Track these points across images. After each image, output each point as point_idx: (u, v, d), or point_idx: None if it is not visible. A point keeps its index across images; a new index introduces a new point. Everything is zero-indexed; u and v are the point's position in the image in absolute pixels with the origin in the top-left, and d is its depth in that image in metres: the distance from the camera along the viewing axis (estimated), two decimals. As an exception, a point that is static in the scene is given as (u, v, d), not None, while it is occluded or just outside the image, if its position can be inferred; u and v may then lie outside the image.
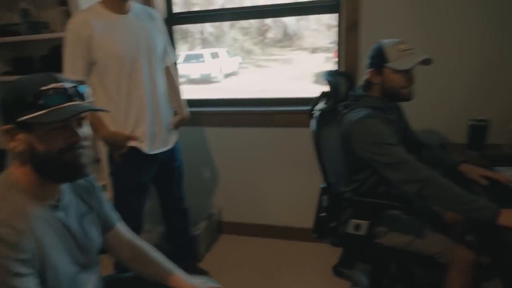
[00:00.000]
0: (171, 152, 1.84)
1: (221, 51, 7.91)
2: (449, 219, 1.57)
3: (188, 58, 7.38)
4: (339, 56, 2.13)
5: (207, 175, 2.47)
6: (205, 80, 7.67)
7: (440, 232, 1.41)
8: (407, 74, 1.39)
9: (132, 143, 1.66)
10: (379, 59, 1.41)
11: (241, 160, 2.37)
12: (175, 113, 1.91)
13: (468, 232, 1.61)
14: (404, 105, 1.59)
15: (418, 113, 1.77)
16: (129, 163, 1.68)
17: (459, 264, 1.35)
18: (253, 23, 6.82)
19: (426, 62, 1.39)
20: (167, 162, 1.84)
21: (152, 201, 2.00)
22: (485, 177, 1.45)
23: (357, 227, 1.44)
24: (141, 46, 1.62)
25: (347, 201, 1.53)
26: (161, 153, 1.76)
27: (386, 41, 1.43)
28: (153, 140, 1.72)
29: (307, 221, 2.25)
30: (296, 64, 8.20)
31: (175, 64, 1.91)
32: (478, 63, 1.87)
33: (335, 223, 1.55)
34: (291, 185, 2.33)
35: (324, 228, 1.60)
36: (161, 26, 1.77)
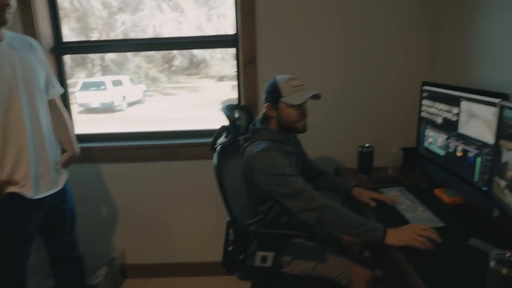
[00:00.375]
0: (61, 193, 1.65)
1: (124, 79, 7.56)
2: (346, 242, 1.68)
3: (86, 86, 6.88)
4: (239, 89, 2.19)
5: (105, 215, 2.27)
6: (107, 109, 7.21)
7: (339, 255, 1.50)
8: (300, 108, 1.49)
9: (11, 189, 1.44)
10: (274, 94, 1.48)
11: (144, 196, 2.24)
12: (64, 150, 1.73)
13: (363, 250, 1.75)
14: (300, 136, 1.68)
15: (313, 143, 1.89)
16: (8, 212, 1.45)
17: (357, 282, 1.44)
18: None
19: (315, 97, 1.50)
20: (56, 205, 1.63)
21: (38, 252, 1.75)
22: (374, 199, 1.60)
23: (264, 258, 1.45)
24: (19, 78, 1.44)
25: (252, 233, 1.53)
26: (48, 196, 1.56)
27: (280, 77, 1.51)
28: (38, 182, 1.51)
29: (218, 255, 2.22)
30: (203, 92, 8.25)
31: (60, 96, 1.74)
32: (362, 96, 2.10)
33: (243, 256, 1.53)
34: (199, 219, 2.27)
35: (233, 262, 1.57)
36: (42, 56, 1.61)
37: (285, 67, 1.71)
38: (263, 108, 1.55)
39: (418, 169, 1.97)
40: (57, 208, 1.65)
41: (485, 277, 1.04)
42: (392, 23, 2.00)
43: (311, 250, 1.51)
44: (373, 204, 1.58)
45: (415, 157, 1.93)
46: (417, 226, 1.29)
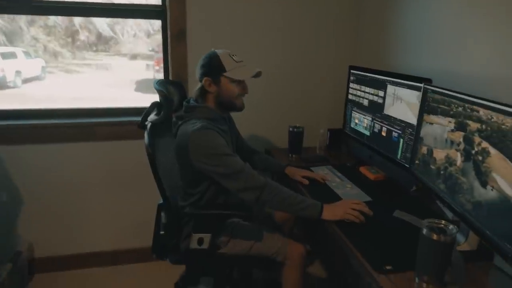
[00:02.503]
0: None
1: (17, 51, 6.57)
2: (279, 219, 1.70)
3: (-34, 57, 5.81)
4: (166, 65, 2.04)
5: (8, 205, 1.95)
6: (-3, 85, 6.21)
7: (274, 233, 1.51)
8: (242, 84, 1.44)
9: None
10: (215, 68, 1.41)
11: (54, 183, 1.98)
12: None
13: (295, 226, 1.80)
14: (233, 115, 1.63)
15: (245, 123, 1.86)
16: None
17: (292, 258, 1.47)
18: (59, 22, 5.94)
19: (257, 74, 1.46)
20: None
21: None
22: (306, 177, 1.64)
23: (200, 241, 1.39)
24: None
25: (187, 216, 1.46)
26: None
27: (220, 51, 1.43)
28: None
29: (141, 241, 2.09)
30: (114, 71, 7.63)
31: None
32: (293, 78, 2.14)
33: (176, 240, 1.45)
34: (119, 205, 2.09)
35: (164, 247, 1.48)
36: None
37: (218, 43, 1.63)
38: (198, 83, 1.46)
39: (343, 148, 2.09)
40: None
41: (410, 242, 1.13)
42: (321, 8, 2.06)
43: (248, 229, 1.50)
44: (306, 182, 1.63)
45: (341, 137, 2.04)
46: (349, 201, 1.36)
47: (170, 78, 2.02)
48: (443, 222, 0.97)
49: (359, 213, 1.29)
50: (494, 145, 0.95)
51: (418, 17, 1.66)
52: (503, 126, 0.92)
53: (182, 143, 1.37)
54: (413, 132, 1.41)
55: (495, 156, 0.95)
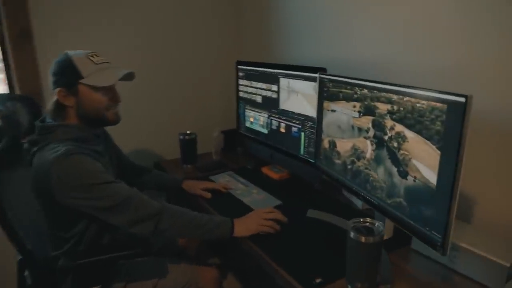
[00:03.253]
0: None
1: None
2: (182, 244, 1.47)
3: None
4: (8, 74, 1.59)
5: None
6: None
7: (180, 262, 1.28)
8: (110, 91, 1.15)
9: None
10: (69, 74, 1.08)
11: None
12: None
13: (200, 244, 1.59)
14: (109, 129, 1.32)
15: (125, 136, 1.54)
16: None
17: (207, 285, 1.27)
18: None
19: (128, 77, 1.19)
20: None
21: None
22: (207, 190, 1.44)
23: (85, 297, 1.07)
24: None
25: (63, 269, 1.11)
26: None
27: (76, 52, 1.11)
28: None
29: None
30: None
31: None
32: (179, 82, 1.91)
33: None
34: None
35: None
36: None
37: (80, 44, 1.29)
38: (52, 95, 1.12)
39: (240, 150, 1.95)
40: None
41: (333, 245, 1.07)
42: (198, 3, 1.87)
43: (147, 266, 1.23)
44: (208, 195, 1.42)
45: (236, 138, 1.89)
46: (261, 211, 1.21)
47: (18, 91, 1.57)
48: (368, 220, 0.89)
49: (273, 222, 1.16)
50: (410, 127, 0.88)
51: (303, 8, 1.60)
52: (418, 105, 0.85)
53: (40, 177, 1.02)
54: (314, 125, 1.33)
55: (413, 140, 0.88)
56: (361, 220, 0.90)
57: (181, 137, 1.71)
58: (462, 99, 0.72)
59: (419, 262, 1.01)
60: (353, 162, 1.12)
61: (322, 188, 1.48)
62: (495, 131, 1.00)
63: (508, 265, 0.85)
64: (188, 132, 1.73)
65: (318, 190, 1.48)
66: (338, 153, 1.20)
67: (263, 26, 1.85)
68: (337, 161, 1.20)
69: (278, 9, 1.72)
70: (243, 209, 1.29)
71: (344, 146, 1.16)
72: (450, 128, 0.75)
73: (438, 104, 0.78)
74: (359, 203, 1.32)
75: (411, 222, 0.90)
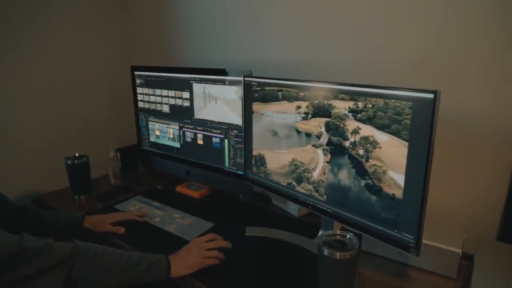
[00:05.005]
0: None
1: None
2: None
3: None
4: None
5: None
6: None
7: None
8: None
9: None
10: None
11: None
12: None
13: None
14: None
15: None
16: None
17: None
18: None
19: None
20: None
21: None
22: (117, 224, 1.17)
23: None
24: None
25: None
26: None
27: None
28: None
29: None
30: None
31: None
32: (63, 96, 1.53)
33: None
34: None
35: None
36: None
37: None
38: None
39: (141, 169, 1.68)
40: None
41: (284, 260, 0.99)
42: (81, 8, 1.53)
43: None
44: (121, 230, 1.15)
45: (138, 156, 1.62)
46: (201, 240, 1.02)
47: None
48: (337, 232, 0.82)
49: (217, 251, 0.99)
50: (382, 128, 0.79)
51: (212, 8, 1.45)
52: (393, 101, 0.75)
53: None
54: (240, 134, 1.21)
55: (386, 144, 0.78)
56: (331, 233, 0.82)
57: (69, 162, 1.36)
58: (431, 95, 0.70)
59: (373, 263, 0.99)
60: (300, 176, 1.02)
61: (249, 200, 1.37)
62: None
63: (459, 251, 0.89)
64: (77, 154, 1.39)
65: (246, 202, 1.36)
66: (275, 166, 1.09)
67: (158, 26, 1.63)
68: (273, 177, 1.10)
69: (179, 6, 1.54)
70: (172, 241, 1.09)
71: (284, 158, 1.06)
72: (419, 125, 0.73)
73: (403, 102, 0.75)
74: (294, 211, 1.26)
75: (377, 226, 0.86)
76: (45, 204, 1.37)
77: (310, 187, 0.99)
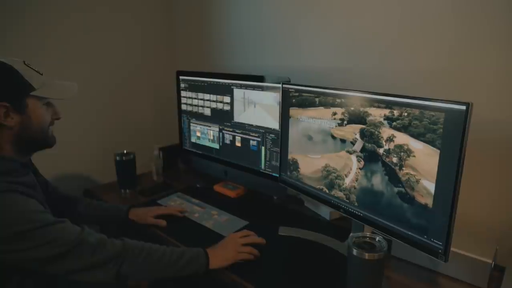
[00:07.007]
0: None
1: None
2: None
3: None
4: None
5: None
6: None
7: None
8: (51, 107, 0.97)
9: None
10: (16, 86, 0.85)
11: None
12: None
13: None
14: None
15: (48, 160, 1.25)
16: None
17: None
18: None
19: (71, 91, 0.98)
20: None
21: None
22: (159, 217, 1.26)
23: None
24: None
25: None
26: None
27: (7, 60, 0.87)
28: None
29: None
30: None
31: None
32: (113, 97, 1.68)
33: None
34: None
35: None
36: None
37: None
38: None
39: (182, 168, 1.78)
40: None
41: (315, 260, 1.03)
42: (129, 15, 1.67)
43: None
44: (163, 223, 1.24)
45: (180, 155, 1.73)
46: (236, 236, 1.09)
47: None
48: (367, 235, 0.86)
49: (251, 247, 1.05)
50: (417, 137, 0.80)
51: (251, 18, 1.53)
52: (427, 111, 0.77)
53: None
54: (276, 138, 1.27)
55: (421, 153, 0.79)
56: (361, 235, 0.86)
57: (118, 158, 1.48)
58: (463, 107, 0.73)
59: (403, 268, 1.01)
60: (331, 182, 1.06)
61: (282, 201, 1.42)
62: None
63: (490, 261, 0.90)
64: (125, 151, 1.51)
65: (279, 203, 1.42)
66: (311, 170, 1.13)
67: (202, 34, 1.73)
68: (307, 181, 1.15)
69: (220, 16, 1.63)
70: (209, 235, 1.16)
71: (318, 162, 1.09)
72: (451, 135, 0.75)
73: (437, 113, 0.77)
74: (326, 214, 1.30)
75: (407, 232, 0.89)
76: (95, 195, 1.49)
77: (341, 194, 1.03)
